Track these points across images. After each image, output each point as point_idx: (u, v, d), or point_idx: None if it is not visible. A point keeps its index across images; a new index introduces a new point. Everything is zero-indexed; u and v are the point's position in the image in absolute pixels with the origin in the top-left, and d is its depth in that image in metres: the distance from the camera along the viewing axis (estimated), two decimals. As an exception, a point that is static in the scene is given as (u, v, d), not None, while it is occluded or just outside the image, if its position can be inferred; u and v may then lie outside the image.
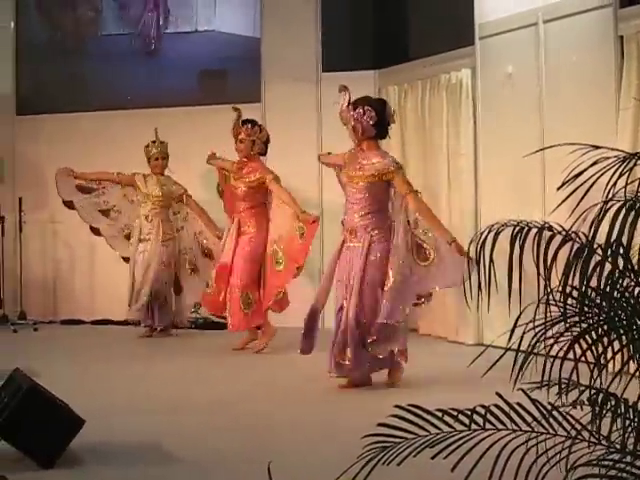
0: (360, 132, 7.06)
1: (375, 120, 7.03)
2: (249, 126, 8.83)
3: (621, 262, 2.40)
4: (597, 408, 2.51)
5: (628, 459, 2.49)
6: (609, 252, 2.24)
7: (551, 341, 2.41)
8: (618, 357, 2.58)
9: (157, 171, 10.05)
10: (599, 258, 2.39)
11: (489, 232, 2.59)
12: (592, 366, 2.52)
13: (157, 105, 11.04)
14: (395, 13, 10.45)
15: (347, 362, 6.88)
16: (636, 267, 2.35)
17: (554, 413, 2.54)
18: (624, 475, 2.46)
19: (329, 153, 8.02)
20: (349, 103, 7.06)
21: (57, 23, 11.88)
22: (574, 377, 2.55)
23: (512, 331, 2.46)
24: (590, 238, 2.31)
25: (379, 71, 10.40)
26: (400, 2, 10.45)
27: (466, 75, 9.16)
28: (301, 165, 9.69)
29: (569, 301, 2.43)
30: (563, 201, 2.52)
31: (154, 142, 10.00)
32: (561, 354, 2.49)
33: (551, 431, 2.53)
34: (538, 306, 2.44)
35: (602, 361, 2.44)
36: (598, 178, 2.38)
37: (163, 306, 9.98)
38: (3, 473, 4.62)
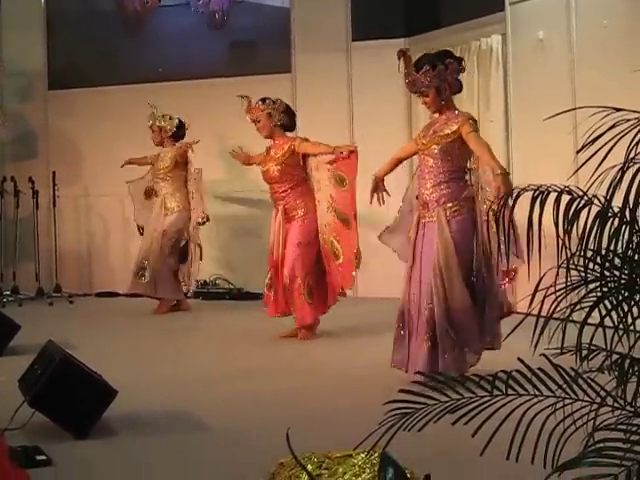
0: (448, 91, 5.94)
1: (459, 70, 5.99)
2: (259, 102, 8.18)
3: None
4: (621, 373, 2.50)
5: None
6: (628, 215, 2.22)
7: (571, 306, 2.39)
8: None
9: (155, 142, 9.98)
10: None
11: (508, 196, 2.58)
12: (613, 331, 2.50)
13: (187, 77, 11.05)
14: (425, -20, 10.40)
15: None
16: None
17: (577, 378, 2.52)
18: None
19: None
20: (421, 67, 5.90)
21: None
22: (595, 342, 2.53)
23: (533, 296, 2.44)
24: (607, 201, 2.29)
25: (409, 39, 10.34)
26: (430, -31, 10.40)
27: (497, 41, 9.12)
28: (331, 134, 9.65)
29: (589, 266, 2.41)
30: (581, 165, 2.50)
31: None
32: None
33: (574, 396, 2.51)
34: (558, 271, 2.42)
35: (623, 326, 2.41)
36: (617, 141, 2.36)
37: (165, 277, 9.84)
38: (37, 444, 4.68)
